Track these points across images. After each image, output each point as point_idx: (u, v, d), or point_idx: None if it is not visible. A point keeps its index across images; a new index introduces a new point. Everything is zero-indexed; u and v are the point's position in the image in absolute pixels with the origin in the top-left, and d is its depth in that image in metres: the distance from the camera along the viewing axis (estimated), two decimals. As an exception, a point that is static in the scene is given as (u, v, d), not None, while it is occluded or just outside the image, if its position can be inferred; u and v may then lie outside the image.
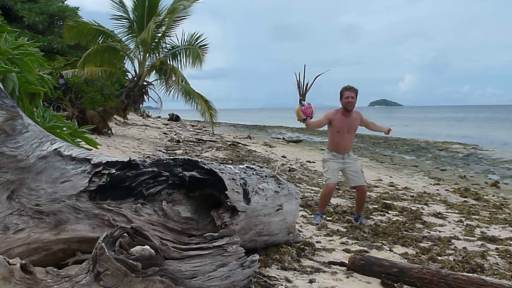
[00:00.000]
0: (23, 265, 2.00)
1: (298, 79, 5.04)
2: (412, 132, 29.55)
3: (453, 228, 5.56)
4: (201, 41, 14.43)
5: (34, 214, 2.52)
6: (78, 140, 3.68)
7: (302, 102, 4.99)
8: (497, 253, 4.46)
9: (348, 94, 5.30)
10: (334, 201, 6.79)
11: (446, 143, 22.15)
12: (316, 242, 4.40)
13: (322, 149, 17.84)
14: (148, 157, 9.39)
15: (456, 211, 6.69)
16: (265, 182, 3.69)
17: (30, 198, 2.53)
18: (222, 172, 3.14)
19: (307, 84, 5.07)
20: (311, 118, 5.05)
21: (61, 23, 17.86)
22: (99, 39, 14.05)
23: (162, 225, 2.82)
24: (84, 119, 11.75)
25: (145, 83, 14.50)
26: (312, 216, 5.57)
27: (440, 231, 5.30)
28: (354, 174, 5.36)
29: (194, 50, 14.12)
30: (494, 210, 6.97)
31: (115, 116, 16.46)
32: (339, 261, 3.79)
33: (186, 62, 14.48)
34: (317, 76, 5.17)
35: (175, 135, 18.16)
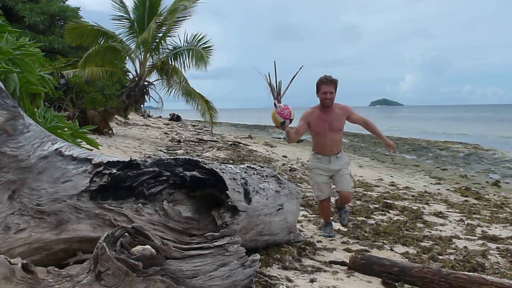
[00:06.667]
0: (24, 265, 2.01)
1: (269, 81, 4.39)
2: (413, 132, 29.54)
3: (454, 228, 5.55)
4: (205, 42, 14.41)
5: (35, 214, 2.52)
6: (79, 140, 3.68)
7: (277, 104, 4.28)
8: (498, 252, 4.46)
9: (326, 89, 4.50)
10: (335, 200, 6.79)
11: (447, 142, 22.13)
12: (317, 241, 4.40)
13: (323, 149, 17.78)
14: (149, 157, 9.40)
15: (457, 211, 6.69)
16: (266, 181, 3.70)
17: (31, 198, 2.54)
18: (223, 172, 3.14)
19: (279, 82, 4.39)
20: (291, 121, 4.23)
21: (62, 23, 17.89)
22: (100, 39, 14.06)
23: (163, 224, 2.82)
24: (85, 119, 11.76)
25: (146, 83, 14.50)
26: (313, 215, 5.56)
27: (441, 231, 5.30)
28: (340, 178, 4.67)
29: (198, 51, 14.10)
30: (495, 209, 6.96)
31: (116, 116, 16.46)
32: (340, 260, 3.79)
33: (189, 64, 14.47)
34: (294, 76, 4.52)
35: (176, 135, 18.17)
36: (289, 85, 4.46)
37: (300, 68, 4.67)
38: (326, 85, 4.49)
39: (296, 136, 4.52)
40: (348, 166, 4.77)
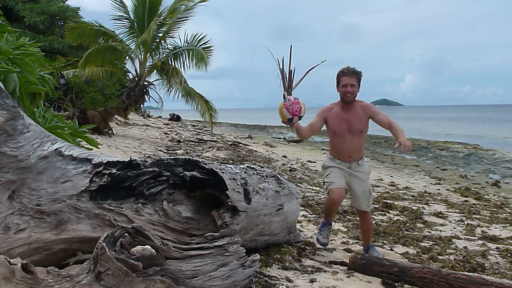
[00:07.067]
0: (24, 265, 2.01)
1: (281, 67, 3.67)
2: (413, 132, 29.57)
3: (454, 228, 5.56)
4: (205, 42, 14.41)
5: (35, 214, 2.52)
6: (79, 140, 3.68)
7: (287, 96, 3.63)
8: (497, 253, 4.46)
9: (346, 81, 3.86)
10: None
11: (447, 142, 22.14)
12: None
13: (323, 149, 17.78)
14: (149, 157, 9.40)
15: (457, 211, 6.69)
16: (265, 182, 3.69)
17: (31, 198, 2.53)
18: (223, 172, 3.14)
19: (292, 71, 3.67)
20: (300, 117, 3.66)
21: (62, 23, 17.87)
22: (100, 39, 14.06)
23: (163, 225, 2.82)
24: (85, 119, 11.76)
25: (146, 83, 14.50)
26: (313, 215, 5.55)
27: (441, 231, 5.30)
28: (356, 192, 4.02)
29: (198, 51, 14.10)
30: (495, 209, 6.96)
31: (116, 116, 16.46)
32: (340, 260, 3.80)
33: (189, 64, 14.46)
34: (311, 68, 3.82)
35: (176, 135, 18.16)
36: (304, 76, 3.76)
37: (322, 62, 3.94)
38: (347, 76, 3.87)
39: (309, 133, 3.94)
40: (369, 180, 4.13)
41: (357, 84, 3.90)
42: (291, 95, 3.65)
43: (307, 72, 3.81)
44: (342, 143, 3.96)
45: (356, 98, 3.95)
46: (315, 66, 3.87)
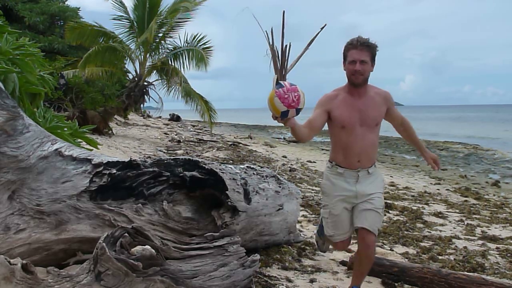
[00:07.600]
0: (24, 265, 2.01)
1: (271, 42, 2.60)
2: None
3: (454, 228, 5.55)
4: (205, 42, 14.43)
5: (35, 214, 2.52)
6: (79, 140, 3.68)
7: (280, 82, 2.56)
8: (497, 252, 4.46)
9: (355, 56, 2.79)
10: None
11: (447, 142, 22.15)
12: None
13: (323, 149, 17.73)
14: (149, 157, 9.39)
15: (457, 211, 6.69)
16: (265, 182, 3.70)
17: (31, 198, 2.54)
18: (222, 172, 3.14)
19: (287, 46, 2.59)
20: (298, 110, 2.53)
21: (62, 23, 17.89)
22: (100, 39, 14.08)
23: (162, 225, 2.83)
24: (85, 119, 11.76)
25: (145, 83, 14.51)
26: (313, 215, 5.55)
27: (440, 231, 5.30)
28: (364, 211, 2.85)
29: (198, 52, 14.12)
30: (495, 209, 6.96)
31: (115, 116, 16.46)
32: (339, 260, 3.79)
33: (189, 64, 14.49)
34: (313, 38, 2.79)
35: (176, 135, 18.16)
36: (302, 53, 2.77)
37: (322, 28, 2.79)
38: (356, 50, 2.80)
39: (310, 132, 2.82)
40: (382, 194, 2.99)
41: (370, 61, 2.84)
42: (285, 80, 2.61)
43: (309, 44, 2.81)
44: (351, 141, 2.90)
45: (368, 82, 2.94)
46: (315, 37, 2.77)
